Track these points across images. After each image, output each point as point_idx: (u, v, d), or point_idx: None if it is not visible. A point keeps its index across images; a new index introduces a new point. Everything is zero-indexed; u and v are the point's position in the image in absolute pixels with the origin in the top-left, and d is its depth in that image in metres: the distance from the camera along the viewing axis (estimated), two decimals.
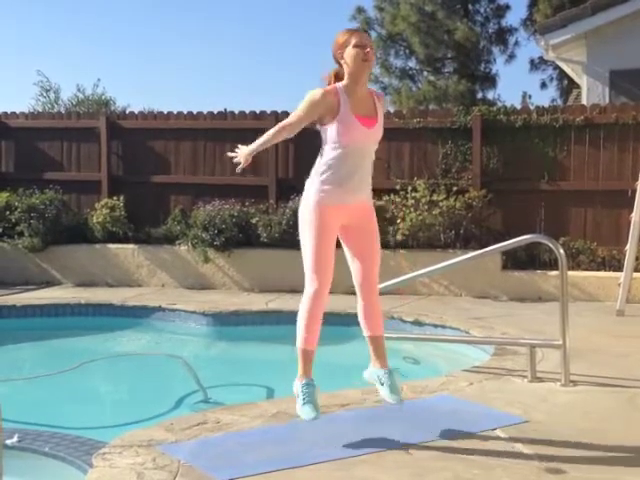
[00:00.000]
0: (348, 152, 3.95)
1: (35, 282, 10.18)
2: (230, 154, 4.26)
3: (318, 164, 4.05)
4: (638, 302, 8.51)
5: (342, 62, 3.99)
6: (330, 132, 3.94)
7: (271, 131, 4.04)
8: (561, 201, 9.66)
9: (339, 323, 6.59)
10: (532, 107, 10.18)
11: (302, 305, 3.97)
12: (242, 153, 4.17)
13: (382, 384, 4.06)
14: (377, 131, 4.05)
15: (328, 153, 3.98)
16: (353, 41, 3.94)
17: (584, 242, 9.38)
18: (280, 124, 4.03)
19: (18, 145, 11.35)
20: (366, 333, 4.16)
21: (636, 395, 4.88)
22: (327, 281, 3.95)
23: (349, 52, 3.94)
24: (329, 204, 3.97)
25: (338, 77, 4.05)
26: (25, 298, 8.97)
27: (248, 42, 41.10)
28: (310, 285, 3.95)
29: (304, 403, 3.90)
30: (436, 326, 7.46)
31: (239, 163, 4.19)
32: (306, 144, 10.74)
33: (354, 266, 4.13)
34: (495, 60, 23.16)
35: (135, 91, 38.21)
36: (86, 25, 38.79)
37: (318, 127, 4.03)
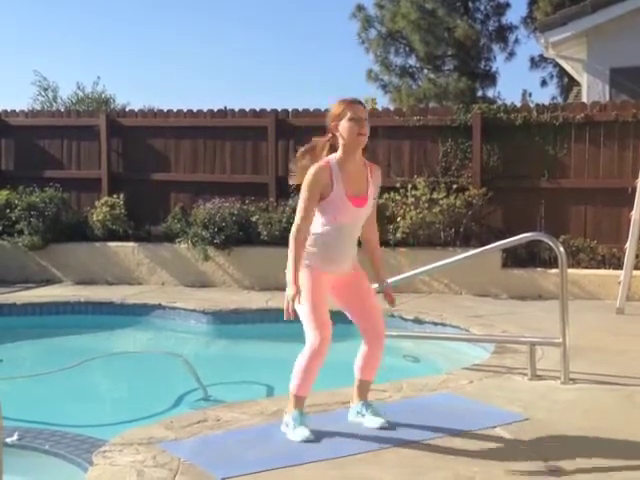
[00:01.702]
0: (336, 229, 3.94)
1: (35, 280, 10.18)
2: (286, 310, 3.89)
3: (310, 233, 4.01)
4: (638, 300, 8.51)
5: (337, 134, 3.93)
6: (321, 208, 3.91)
7: (291, 245, 3.87)
8: (561, 199, 9.66)
9: (339, 321, 6.58)
10: (532, 105, 10.18)
11: (302, 358, 3.90)
12: (290, 294, 3.84)
13: (363, 415, 4.13)
14: (367, 209, 4.03)
15: (317, 226, 3.96)
16: (349, 114, 3.87)
17: (584, 240, 9.38)
18: (291, 235, 3.88)
19: (18, 143, 11.34)
20: (358, 377, 4.19)
21: (636, 393, 4.89)
22: (328, 329, 3.89)
23: (344, 125, 3.88)
24: (318, 270, 3.96)
25: (331, 147, 4.00)
26: (25, 296, 8.97)
27: (248, 40, 41.05)
28: (314, 336, 3.87)
29: (295, 427, 3.90)
30: (436, 324, 7.46)
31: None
32: (306, 142, 10.75)
33: (360, 324, 4.14)
34: (495, 58, 23.20)
35: (135, 89, 38.23)
36: (86, 23, 38.80)
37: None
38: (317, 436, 3.89)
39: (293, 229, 3.88)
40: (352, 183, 3.92)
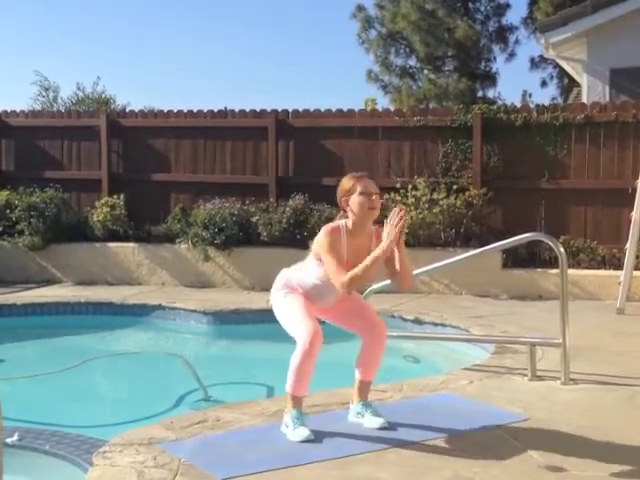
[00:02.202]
0: (328, 285, 3.97)
1: (35, 281, 10.18)
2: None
3: (300, 276, 4.08)
4: (638, 300, 8.51)
5: (347, 209, 3.99)
6: (319, 265, 3.96)
7: (356, 282, 3.86)
8: (561, 199, 9.66)
9: None
10: (532, 105, 10.19)
11: (295, 358, 3.91)
12: (387, 244, 3.91)
13: (363, 416, 4.14)
14: None
15: (311, 277, 4.02)
16: (359, 189, 3.93)
17: (584, 240, 9.38)
18: (344, 284, 3.83)
19: (18, 144, 11.34)
20: (359, 377, 4.20)
21: (636, 393, 4.89)
22: (318, 334, 3.88)
23: (354, 200, 3.94)
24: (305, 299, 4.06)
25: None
26: (25, 297, 8.98)
27: (248, 40, 41.03)
28: (304, 335, 3.89)
29: (295, 427, 3.91)
30: (436, 324, 7.46)
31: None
32: (306, 142, 10.79)
33: (360, 332, 4.17)
34: (495, 58, 23.19)
35: (135, 89, 38.21)
36: (86, 23, 38.79)
37: (312, 257, 4.03)
38: (317, 436, 3.89)
39: (343, 284, 3.84)
40: (354, 253, 3.98)
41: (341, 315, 4.21)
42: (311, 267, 4.03)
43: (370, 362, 4.15)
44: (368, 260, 3.86)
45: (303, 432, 3.87)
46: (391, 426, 4.07)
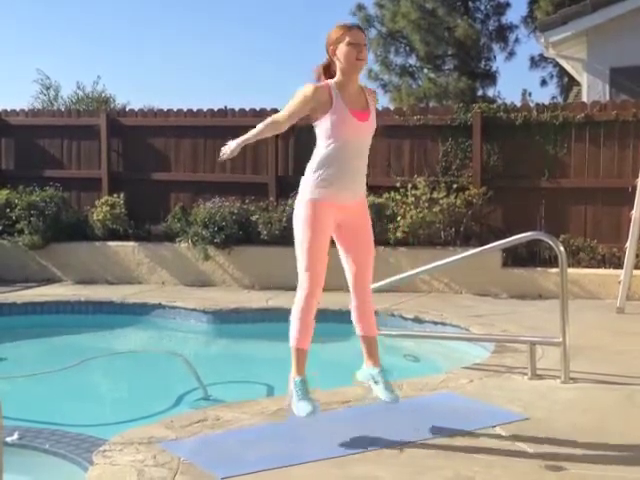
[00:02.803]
0: (342, 147, 3.94)
1: (35, 280, 10.18)
2: (222, 152, 4.06)
3: (312, 161, 4.04)
4: (638, 299, 8.51)
5: (334, 58, 3.96)
6: (324, 126, 3.94)
7: (260, 125, 4.00)
8: (561, 198, 9.66)
9: (339, 320, 6.58)
10: (532, 104, 10.19)
11: (295, 305, 3.95)
12: (229, 145, 4.03)
13: (376, 383, 4.06)
14: (370, 124, 4.06)
15: (322, 150, 3.98)
16: (347, 38, 3.90)
17: (584, 239, 9.38)
18: (270, 118, 4.02)
19: (18, 143, 11.34)
20: (359, 333, 4.16)
21: (636, 392, 4.89)
22: (319, 281, 3.93)
23: (342, 49, 3.91)
24: (324, 201, 3.94)
25: (328, 71, 4.03)
26: (25, 295, 8.97)
27: (248, 40, 41.04)
28: (302, 285, 3.93)
29: (299, 399, 3.89)
30: (436, 323, 7.46)
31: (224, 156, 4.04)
32: (306, 141, 10.75)
33: (348, 265, 4.13)
34: (495, 57, 23.19)
35: (135, 88, 38.22)
36: (86, 23, 38.78)
37: (313, 123, 4.02)
38: (315, 436, 3.89)
39: (270, 117, 4.00)
40: (352, 101, 3.96)
41: (349, 242, 4.10)
42: (319, 137, 3.99)
43: (364, 317, 4.11)
44: (258, 128, 4.00)
45: (306, 407, 3.83)
46: (391, 425, 4.06)
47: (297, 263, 3.97)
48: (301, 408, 3.85)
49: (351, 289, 4.14)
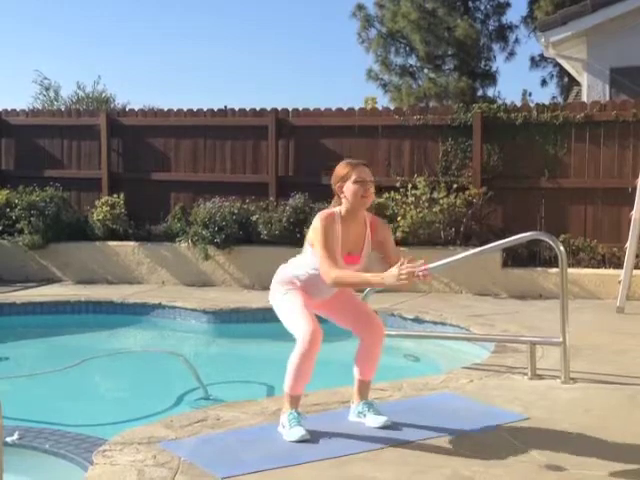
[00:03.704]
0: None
1: (35, 279, 10.18)
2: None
3: (295, 268, 4.09)
4: (638, 299, 8.51)
5: (341, 195, 3.99)
6: (314, 258, 3.94)
7: (343, 280, 3.85)
8: (561, 198, 9.66)
9: None
10: (532, 104, 10.18)
11: (295, 357, 3.89)
12: (391, 276, 3.73)
13: (365, 416, 4.13)
14: (360, 266, 4.08)
15: (307, 268, 4.02)
16: (353, 176, 3.93)
17: (584, 239, 9.39)
18: (331, 276, 3.80)
19: (18, 143, 11.35)
20: (357, 377, 4.18)
21: (636, 392, 4.89)
22: (318, 333, 3.86)
23: (349, 187, 3.95)
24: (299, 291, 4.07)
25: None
26: (25, 295, 8.97)
27: (248, 39, 41.08)
28: (304, 333, 3.87)
29: (291, 427, 3.89)
30: (436, 323, 7.46)
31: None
32: (306, 142, 10.78)
33: (356, 330, 4.16)
34: (495, 57, 23.17)
35: (135, 88, 38.22)
36: (86, 22, 38.78)
37: (308, 246, 4.02)
38: (314, 436, 3.89)
39: (330, 275, 3.81)
40: (349, 241, 3.99)
41: (338, 310, 4.19)
42: (307, 256, 4.03)
43: (369, 361, 4.14)
44: (362, 276, 3.85)
45: (299, 432, 3.85)
46: (391, 425, 4.07)
47: (292, 329, 3.96)
48: (294, 434, 3.86)
49: (362, 340, 4.14)
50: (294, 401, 3.97)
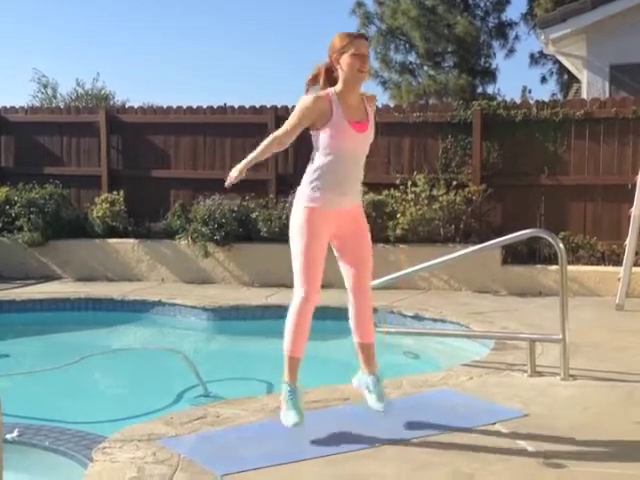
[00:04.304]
0: (340, 157, 3.93)
1: (35, 277, 10.18)
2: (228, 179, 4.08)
3: (309, 170, 4.02)
4: (637, 296, 8.51)
5: (337, 66, 3.93)
6: (322, 137, 3.92)
7: (264, 142, 4.00)
8: (561, 195, 9.66)
9: (338, 317, 6.58)
10: (532, 101, 10.17)
11: (290, 313, 3.92)
12: (233, 171, 4.06)
13: (370, 391, 4.08)
14: (368, 135, 4.06)
15: (320, 159, 3.96)
16: (352, 49, 3.86)
17: (584, 237, 9.39)
18: (272, 135, 4.00)
19: (17, 140, 11.34)
20: (356, 339, 4.15)
21: (635, 389, 4.89)
22: (316, 288, 3.90)
23: (346, 59, 3.88)
24: (320, 210, 3.93)
25: (328, 74, 3.99)
26: (25, 292, 8.97)
27: (248, 36, 41.05)
28: (298, 293, 3.90)
29: (288, 408, 3.89)
30: (436, 320, 7.46)
31: (229, 181, 4.07)
32: (306, 140, 10.75)
33: (346, 272, 4.11)
34: (495, 54, 23.14)
35: (135, 85, 38.20)
36: (85, 20, 38.75)
37: (311, 132, 4.00)
38: (315, 433, 3.88)
39: (271, 135, 3.99)
40: (351, 110, 3.95)
41: (346, 247, 4.08)
42: (317, 147, 3.97)
43: (360, 321, 4.09)
44: (259, 150, 4.00)
45: (292, 418, 3.83)
46: (390, 422, 4.06)
47: (294, 269, 3.95)
48: (288, 418, 3.86)
49: (349, 296, 4.12)
50: (292, 367, 3.93)
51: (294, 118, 3.91)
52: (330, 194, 3.94)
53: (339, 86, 3.94)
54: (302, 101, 3.91)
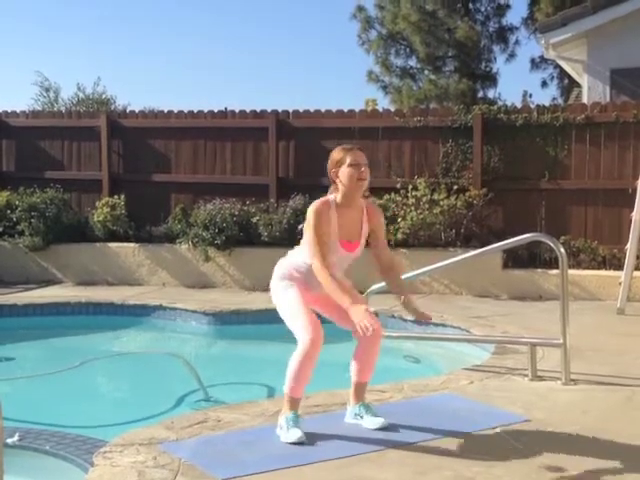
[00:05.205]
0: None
1: (36, 281, 10.18)
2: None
3: (293, 259, 4.08)
4: (638, 301, 8.51)
5: (337, 180, 3.99)
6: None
7: (325, 278, 3.83)
8: (562, 200, 9.66)
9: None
10: (533, 106, 10.18)
11: (295, 358, 3.88)
12: (359, 312, 3.70)
13: (362, 417, 4.12)
14: (356, 255, 4.08)
15: (305, 259, 4.00)
16: (348, 160, 3.93)
17: (585, 241, 9.39)
18: (317, 267, 3.86)
19: (19, 144, 11.35)
20: (355, 379, 4.16)
21: (636, 394, 4.89)
22: (319, 335, 3.85)
23: (344, 171, 3.94)
24: (298, 288, 4.03)
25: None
26: (26, 297, 8.98)
27: (249, 41, 41.11)
28: (305, 336, 3.86)
29: (289, 429, 3.89)
30: (437, 325, 7.44)
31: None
32: (306, 143, 10.78)
33: (352, 328, 4.04)
34: (496, 59, 23.16)
35: (135, 90, 38.24)
36: (86, 23, 38.81)
37: (304, 229, 4.03)
38: (315, 437, 3.89)
39: (317, 265, 3.86)
40: (346, 228, 3.99)
41: (338, 308, 4.06)
42: (304, 247, 4.02)
43: (366, 363, 4.11)
44: (334, 286, 3.79)
45: (296, 434, 3.85)
46: (392, 426, 4.07)
47: (293, 330, 3.93)
48: (291, 435, 3.85)
49: (359, 341, 4.09)
50: (294, 403, 3.97)
51: (313, 237, 3.89)
52: (308, 286, 4.03)
53: (339, 197, 4.00)
54: (310, 215, 3.92)
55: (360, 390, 4.19)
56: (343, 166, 3.96)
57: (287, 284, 4.08)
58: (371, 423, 4.07)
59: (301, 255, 4.06)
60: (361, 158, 3.98)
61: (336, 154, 4.02)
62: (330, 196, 4.04)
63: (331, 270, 3.86)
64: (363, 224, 4.08)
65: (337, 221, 3.96)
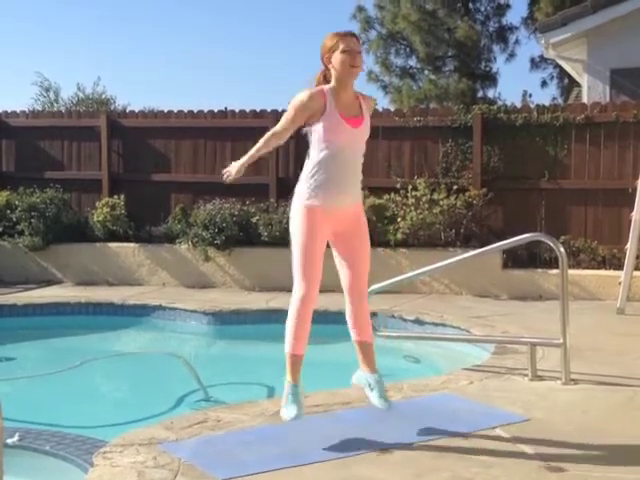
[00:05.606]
0: (335, 152, 3.93)
1: (35, 281, 10.18)
2: (224, 173, 4.18)
3: (306, 167, 4.04)
4: (638, 300, 8.51)
5: (330, 66, 3.96)
6: (317, 132, 3.94)
7: (261, 140, 4.05)
8: (562, 200, 9.66)
9: (339, 321, 6.57)
10: (533, 106, 10.18)
11: (290, 310, 3.94)
12: (233, 167, 4.14)
13: (372, 389, 4.07)
14: (364, 130, 4.07)
15: (316, 155, 3.98)
16: (341, 46, 3.90)
17: (585, 241, 9.39)
18: (270, 131, 4.05)
19: (18, 144, 11.35)
20: (355, 338, 4.15)
21: (636, 394, 4.88)
22: (315, 286, 3.91)
23: (337, 57, 3.91)
24: (319, 208, 3.93)
25: (326, 78, 4.03)
26: (26, 297, 8.97)
27: (249, 41, 41.09)
28: (298, 290, 3.92)
29: (288, 403, 3.90)
30: (437, 325, 7.46)
31: (229, 177, 4.14)
32: (307, 143, 10.76)
33: (343, 271, 4.11)
34: (496, 58, 23.18)
35: (135, 89, 38.24)
36: (86, 23, 38.81)
37: (305, 129, 4.01)
38: (316, 437, 3.88)
39: (270, 131, 4.04)
40: (347, 106, 3.99)
41: (345, 248, 4.08)
42: (312, 143, 4.00)
43: (358, 319, 4.09)
44: (255, 146, 4.09)
45: (291, 411, 3.85)
46: (391, 426, 4.06)
47: (293, 267, 3.96)
48: (288, 411, 3.87)
49: (346, 295, 4.12)
50: (295, 365, 3.93)
51: (290, 114, 3.96)
52: (328, 192, 3.94)
53: (332, 84, 3.98)
54: (297, 97, 3.94)
55: (366, 351, 4.10)
56: (336, 52, 3.91)
57: (303, 206, 3.94)
58: (377, 401, 4.01)
59: (313, 150, 4.01)
60: (355, 44, 3.94)
61: (329, 40, 3.96)
62: (324, 86, 3.98)
63: (273, 140, 4.09)
64: (362, 106, 4.09)
65: (335, 103, 3.92)
